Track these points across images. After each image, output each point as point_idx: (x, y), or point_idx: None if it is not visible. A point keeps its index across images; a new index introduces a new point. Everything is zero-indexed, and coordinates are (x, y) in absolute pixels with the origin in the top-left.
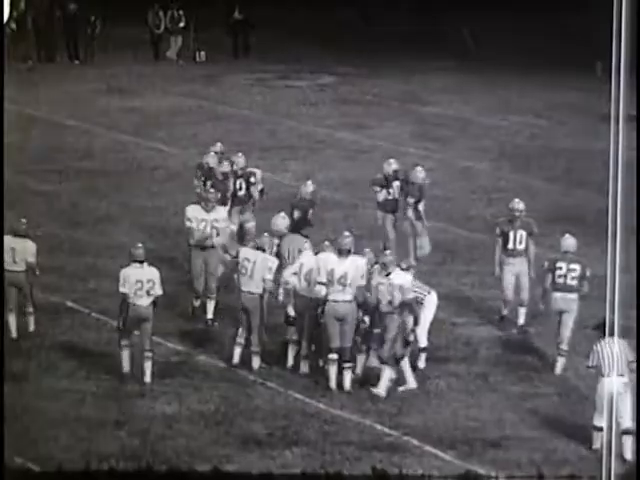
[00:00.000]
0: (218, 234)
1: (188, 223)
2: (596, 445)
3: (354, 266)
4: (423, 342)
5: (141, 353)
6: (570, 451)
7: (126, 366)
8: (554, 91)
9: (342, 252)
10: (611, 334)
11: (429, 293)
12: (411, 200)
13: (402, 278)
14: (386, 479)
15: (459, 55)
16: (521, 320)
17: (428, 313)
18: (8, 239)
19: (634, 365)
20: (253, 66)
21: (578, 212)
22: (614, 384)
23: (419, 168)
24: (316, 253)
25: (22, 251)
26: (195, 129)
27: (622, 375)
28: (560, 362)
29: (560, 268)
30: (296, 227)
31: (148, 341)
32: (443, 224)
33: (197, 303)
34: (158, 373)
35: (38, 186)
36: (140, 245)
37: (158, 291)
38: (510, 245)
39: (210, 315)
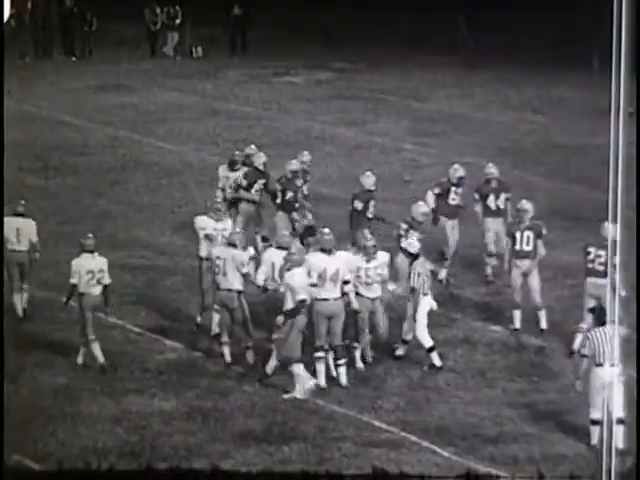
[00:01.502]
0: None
1: (202, 232)
2: (594, 440)
3: (344, 262)
4: (428, 343)
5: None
6: (568, 447)
7: (100, 357)
8: (552, 86)
9: (325, 250)
10: (604, 323)
11: (425, 295)
12: (476, 196)
13: (294, 278)
14: (386, 478)
15: (456, 48)
16: (543, 324)
17: (423, 313)
18: (11, 220)
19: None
20: (250, 62)
21: (576, 208)
22: (608, 374)
23: (490, 164)
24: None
25: (26, 230)
26: (192, 125)
27: (614, 365)
28: (578, 339)
29: (589, 253)
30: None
31: (92, 329)
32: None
33: (200, 319)
34: (155, 370)
35: (35, 182)
36: (90, 235)
37: (107, 280)
38: (517, 246)
39: (216, 329)
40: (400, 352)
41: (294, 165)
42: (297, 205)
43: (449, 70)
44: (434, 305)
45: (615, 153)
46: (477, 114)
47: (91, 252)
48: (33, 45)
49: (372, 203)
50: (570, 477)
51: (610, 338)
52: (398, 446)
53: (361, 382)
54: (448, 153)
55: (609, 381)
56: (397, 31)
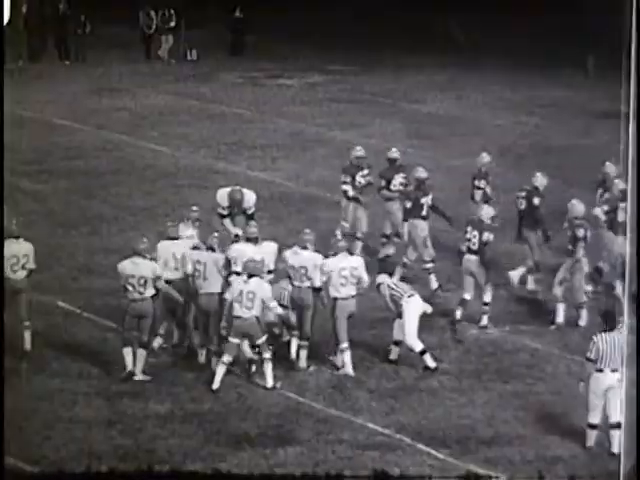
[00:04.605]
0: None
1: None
2: (590, 443)
3: (270, 252)
4: (418, 347)
5: (20, 324)
6: (563, 449)
7: (27, 343)
8: (546, 88)
9: (251, 240)
10: (613, 328)
11: (411, 296)
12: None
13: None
14: None
15: (450, 50)
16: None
17: (411, 317)
18: None
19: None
20: (245, 65)
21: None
22: (608, 379)
23: (609, 162)
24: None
25: None
26: (186, 128)
27: (616, 370)
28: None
29: None
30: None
31: (25, 313)
32: (434, 223)
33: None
34: (150, 372)
35: (29, 186)
36: (14, 221)
37: (32, 265)
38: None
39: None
40: (394, 356)
41: (420, 173)
42: (425, 214)
43: (443, 72)
44: (428, 309)
45: (625, 154)
46: (471, 116)
47: (16, 238)
48: (27, 49)
49: (538, 200)
50: (567, 479)
51: (614, 344)
52: (393, 448)
53: (355, 384)
54: (443, 155)
55: (609, 386)
56: (391, 33)
